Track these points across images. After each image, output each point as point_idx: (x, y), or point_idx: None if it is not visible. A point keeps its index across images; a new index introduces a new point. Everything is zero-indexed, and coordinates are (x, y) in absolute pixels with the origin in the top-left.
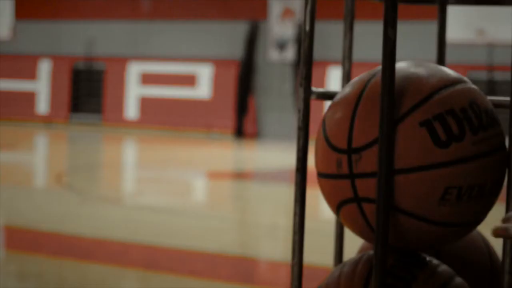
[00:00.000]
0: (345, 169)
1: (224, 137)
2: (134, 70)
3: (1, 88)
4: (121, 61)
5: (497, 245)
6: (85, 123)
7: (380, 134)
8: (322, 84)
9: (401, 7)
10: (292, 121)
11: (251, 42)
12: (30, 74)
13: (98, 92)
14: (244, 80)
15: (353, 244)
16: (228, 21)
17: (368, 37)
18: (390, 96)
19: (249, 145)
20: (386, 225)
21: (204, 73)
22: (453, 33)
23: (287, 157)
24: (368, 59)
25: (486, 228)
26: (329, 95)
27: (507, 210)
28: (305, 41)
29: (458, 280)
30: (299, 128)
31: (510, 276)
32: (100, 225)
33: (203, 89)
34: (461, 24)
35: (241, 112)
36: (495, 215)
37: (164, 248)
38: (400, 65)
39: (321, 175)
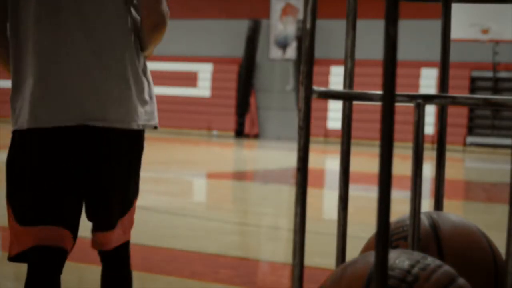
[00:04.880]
0: None
1: (225, 137)
2: None
3: None
4: None
5: (501, 245)
6: None
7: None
8: (325, 83)
9: (405, 6)
10: (293, 120)
11: (253, 40)
12: None
13: None
14: (245, 79)
15: (355, 245)
16: (229, 19)
17: (372, 35)
18: (391, 94)
19: (249, 144)
20: (387, 225)
21: (205, 72)
22: (457, 32)
23: (288, 157)
24: (371, 57)
25: (489, 229)
26: (330, 94)
27: (511, 211)
28: (306, 40)
29: (461, 281)
30: (300, 128)
31: None
32: None
33: (203, 88)
34: (465, 22)
35: (242, 111)
36: (498, 216)
37: (164, 249)
38: None
39: None
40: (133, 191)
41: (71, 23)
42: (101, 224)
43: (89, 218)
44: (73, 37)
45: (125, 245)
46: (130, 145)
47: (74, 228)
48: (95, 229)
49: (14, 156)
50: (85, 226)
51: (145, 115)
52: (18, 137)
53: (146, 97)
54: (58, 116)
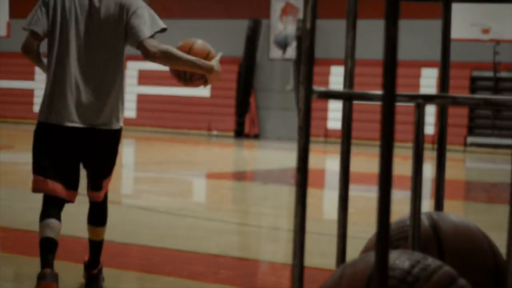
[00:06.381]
0: None
1: (225, 137)
2: (132, 69)
3: None
4: None
5: (501, 245)
6: None
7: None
8: (326, 82)
9: (406, 6)
10: (293, 120)
11: (253, 40)
12: (28, 73)
13: None
14: (245, 78)
15: (355, 245)
16: (229, 19)
17: (372, 35)
18: (392, 94)
19: (249, 145)
20: (387, 226)
21: None
22: (458, 32)
23: (288, 157)
24: (371, 57)
25: (490, 229)
26: (330, 94)
27: None
28: (306, 39)
29: (461, 281)
30: (300, 128)
31: None
32: None
33: (203, 88)
34: (466, 22)
35: (241, 111)
36: (499, 217)
37: (163, 249)
38: None
39: None
40: (111, 166)
41: (91, 63)
42: (95, 186)
43: (90, 183)
44: (88, 75)
45: (105, 197)
46: (112, 138)
47: (70, 183)
48: (91, 189)
49: (37, 137)
50: (85, 228)
51: (121, 120)
52: (41, 126)
53: (123, 109)
54: (71, 118)
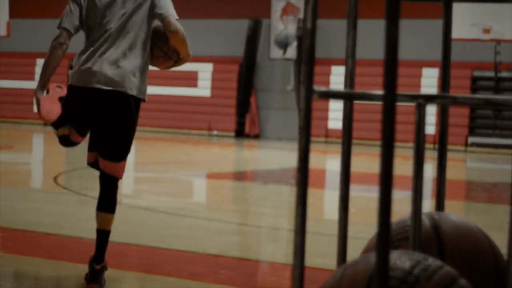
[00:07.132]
0: None
1: (225, 137)
2: None
3: None
4: None
5: (502, 245)
6: None
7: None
8: (326, 82)
9: (406, 5)
10: (294, 120)
11: (253, 40)
12: (28, 73)
13: None
14: (246, 78)
15: (356, 245)
16: (229, 19)
17: (373, 35)
18: (392, 94)
19: (250, 145)
20: (388, 226)
21: (205, 72)
22: (459, 31)
23: (288, 157)
24: (372, 57)
25: (491, 229)
26: (331, 94)
27: None
28: (307, 39)
29: (462, 281)
30: (301, 128)
31: None
32: None
33: (203, 88)
34: (467, 22)
35: (242, 111)
36: (500, 217)
37: (163, 249)
38: None
39: None
40: (129, 141)
41: (120, 39)
42: (110, 156)
43: (105, 150)
44: (117, 46)
45: (116, 180)
46: (133, 103)
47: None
48: (106, 158)
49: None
50: (85, 229)
51: (144, 92)
52: (72, 88)
53: (146, 80)
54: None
